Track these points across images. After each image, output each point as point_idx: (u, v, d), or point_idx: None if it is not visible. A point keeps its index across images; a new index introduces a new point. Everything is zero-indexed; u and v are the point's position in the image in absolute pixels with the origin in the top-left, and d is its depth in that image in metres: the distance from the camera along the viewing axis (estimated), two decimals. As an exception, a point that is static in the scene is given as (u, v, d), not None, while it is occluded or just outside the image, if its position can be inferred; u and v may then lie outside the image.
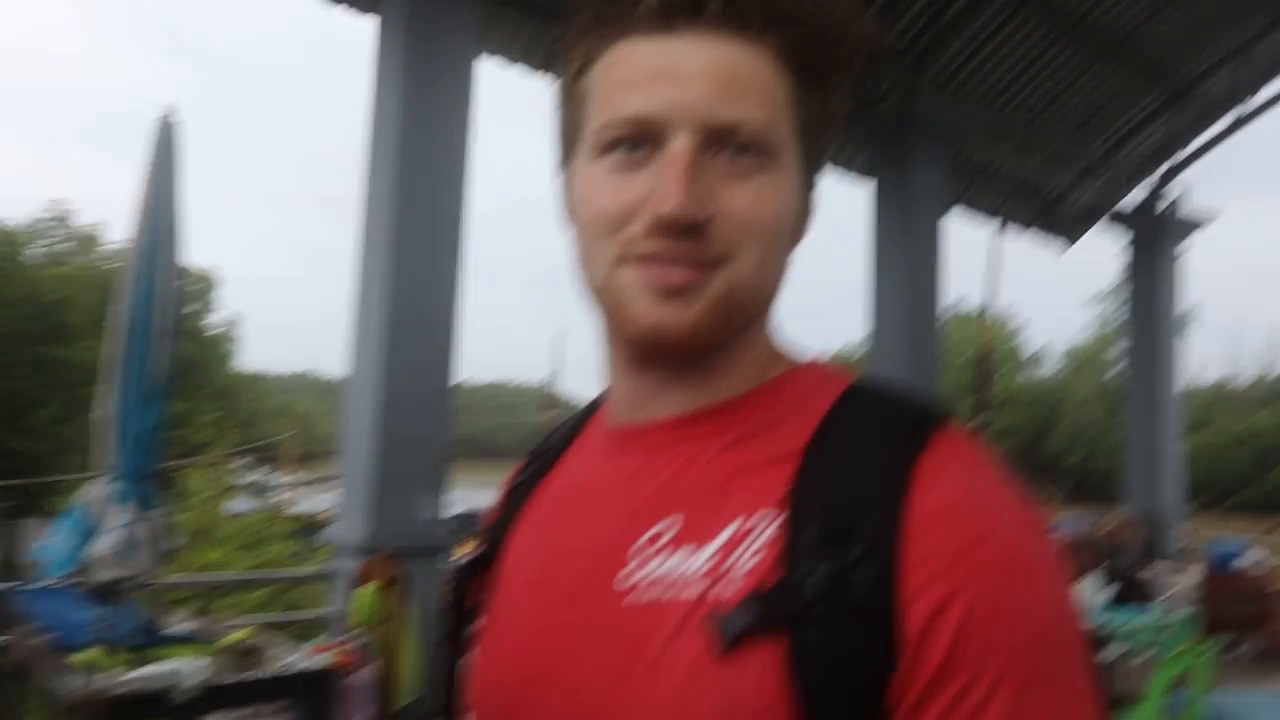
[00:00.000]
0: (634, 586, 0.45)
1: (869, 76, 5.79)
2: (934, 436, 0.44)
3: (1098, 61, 6.73)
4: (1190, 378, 10.58)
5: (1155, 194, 7.98)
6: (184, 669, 2.62)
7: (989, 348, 8.60)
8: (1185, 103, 7.45)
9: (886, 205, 6.01)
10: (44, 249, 21.87)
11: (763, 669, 0.40)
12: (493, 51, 4.99)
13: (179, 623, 3.18)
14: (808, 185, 0.50)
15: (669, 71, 0.44)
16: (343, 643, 3.23)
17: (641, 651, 0.43)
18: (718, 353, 0.49)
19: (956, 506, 0.41)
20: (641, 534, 0.46)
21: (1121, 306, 9.04)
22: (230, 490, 9.45)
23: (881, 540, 0.40)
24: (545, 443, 0.63)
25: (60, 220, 22.29)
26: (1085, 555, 6.13)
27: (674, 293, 0.44)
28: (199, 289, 28.08)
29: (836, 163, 6.62)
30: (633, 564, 0.46)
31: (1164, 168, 7.99)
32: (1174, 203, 7.95)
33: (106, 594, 2.57)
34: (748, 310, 0.47)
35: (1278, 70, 7.19)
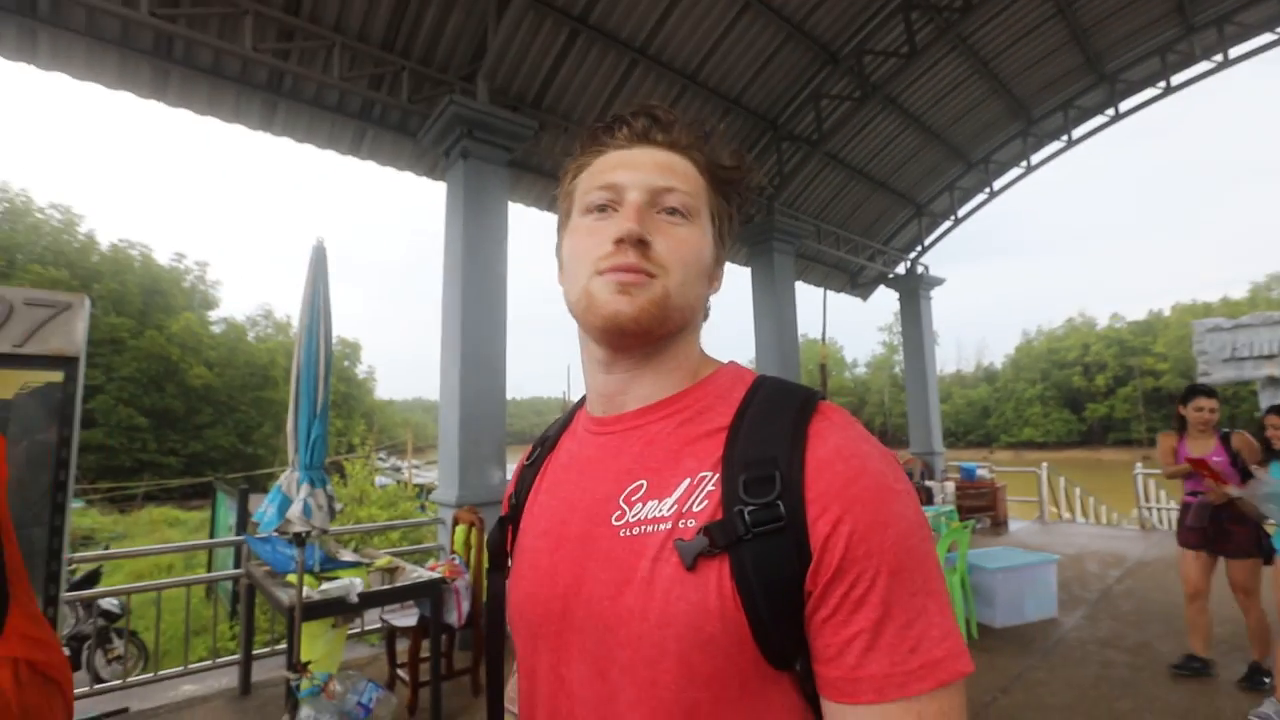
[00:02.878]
0: (625, 524, 0.57)
1: (746, 206, 8.67)
2: (816, 409, 0.56)
3: (874, 193, 9.88)
4: (940, 371, 14.33)
5: (911, 266, 11.00)
6: (354, 583, 3.19)
7: (825, 360, 11.70)
8: (923, 214, 10.78)
9: (759, 283, 8.48)
10: (256, 333, 36.25)
11: (717, 578, 0.51)
12: (518, 200, 6.70)
13: (347, 555, 3.70)
14: (718, 248, 0.66)
15: (630, 162, 0.63)
16: (447, 563, 3.72)
17: (634, 570, 0.55)
18: (663, 359, 0.63)
19: (838, 453, 0.52)
20: (625, 489, 0.59)
21: (897, 333, 12.52)
22: (375, 472, 11.72)
23: (789, 483, 0.51)
24: (546, 433, 0.77)
25: (266, 314, 38.25)
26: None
27: (626, 289, 0.58)
28: (351, 351, 45.46)
29: (729, 259, 9.49)
30: (621, 509, 0.58)
31: (915, 252, 11.07)
32: (922, 272, 10.95)
33: (299, 540, 2.99)
34: (674, 314, 0.61)
35: (973, 195, 10.72)
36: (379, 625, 4.40)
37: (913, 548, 0.52)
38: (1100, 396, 52.66)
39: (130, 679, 3.86)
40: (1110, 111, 9.51)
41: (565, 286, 0.65)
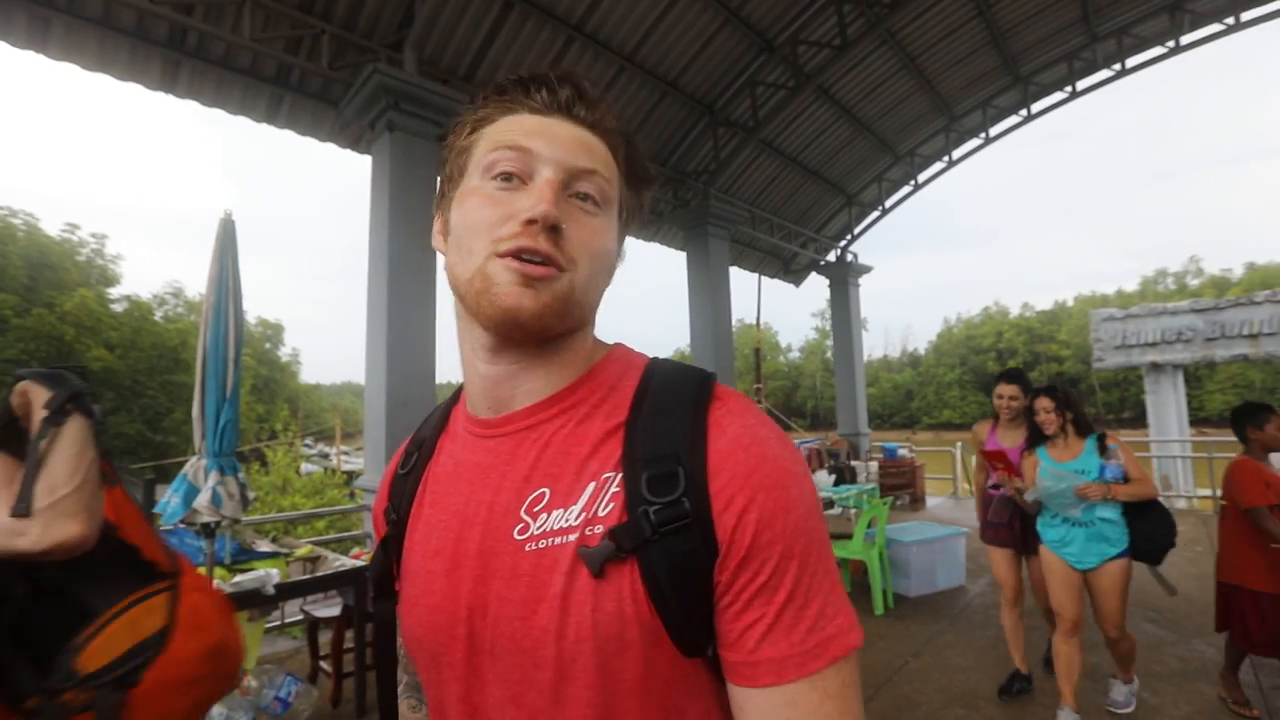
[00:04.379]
0: (530, 537, 0.53)
1: (680, 191, 8.57)
2: (712, 394, 0.56)
3: (806, 181, 10.17)
4: (867, 356, 15.11)
5: (841, 255, 11.44)
6: (270, 574, 3.13)
7: (760, 345, 12.05)
8: (853, 204, 11.18)
9: (694, 266, 8.55)
10: (164, 312, 32.91)
11: (630, 583, 0.50)
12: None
13: (264, 545, 3.68)
14: (619, 242, 0.62)
15: (546, 131, 0.56)
16: (372, 550, 4.36)
17: (547, 586, 0.52)
18: (555, 353, 0.58)
19: (738, 442, 0.52)
20: (525, 499, 0.55)
21: (829, 318, 13.14)
22: (300, 458, 11.11)
23: (693, 478, 0.51)
24: (420, 435, 0.70)
25: (175, 293, 34.68)
26: (820, 458, 9.27)
27: (532, 282, 0.53)
28: (273, 333, 41.04)
29: (667, 243, 9.59)
30: (525, 522, 0.54)
31: (845, 240, 11.55)
32: (851, 260, 11.38)
33: (207, 531, 2.95)
34: (577, 310, 0.56)
35: (899, 187, 11.18)
36: (301, 617, 4.33)
37: (811, 529, 0.53)
38: (1010, 381, 57.08)
39: (16, 685, 3.56)
40: (1024, 112, 10.13)
41: (452, 258, 0.58)
